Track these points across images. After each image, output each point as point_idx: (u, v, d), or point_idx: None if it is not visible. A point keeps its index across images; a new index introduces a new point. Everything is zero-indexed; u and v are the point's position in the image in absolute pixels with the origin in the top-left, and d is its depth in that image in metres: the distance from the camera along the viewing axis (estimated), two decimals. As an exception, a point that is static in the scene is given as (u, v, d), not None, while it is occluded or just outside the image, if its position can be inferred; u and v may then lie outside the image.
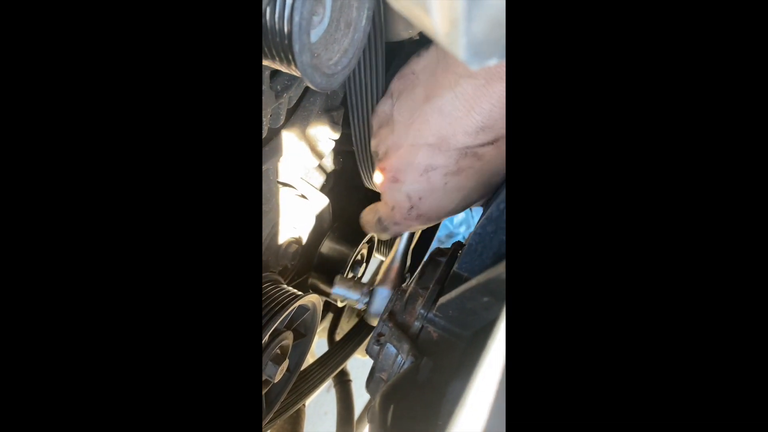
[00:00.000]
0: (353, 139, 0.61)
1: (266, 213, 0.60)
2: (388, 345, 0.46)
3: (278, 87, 0.51)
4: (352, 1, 0.38)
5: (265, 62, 0.39)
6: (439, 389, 0.39)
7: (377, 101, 0.53)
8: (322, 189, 0.76)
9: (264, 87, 0.47)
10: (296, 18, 0.32)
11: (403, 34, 0.54)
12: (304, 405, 0.81)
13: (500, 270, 0.28)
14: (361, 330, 0.96)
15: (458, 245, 0.54)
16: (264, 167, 0.56)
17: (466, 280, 0.45)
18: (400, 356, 0.44)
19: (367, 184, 0.72)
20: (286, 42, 0.34)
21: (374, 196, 0.79)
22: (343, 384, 0.91)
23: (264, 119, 0.50)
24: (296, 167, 0.64)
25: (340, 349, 0.90)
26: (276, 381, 0.59)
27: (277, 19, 0.34)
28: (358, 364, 1.03)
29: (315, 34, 0.37)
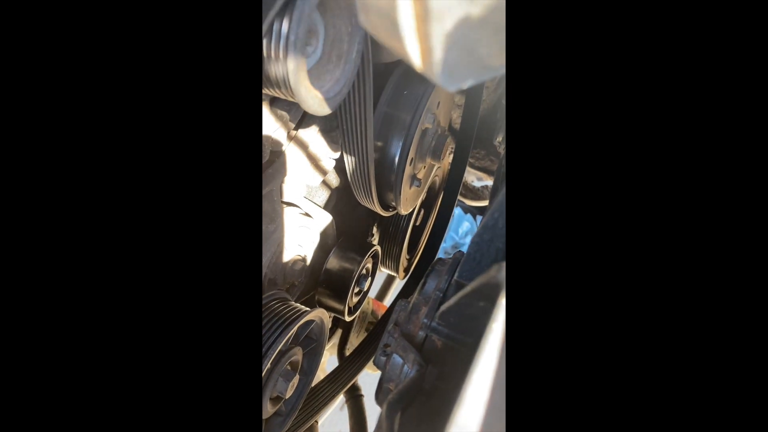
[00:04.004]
0: (345, 161, 0.63)
1: (272, 233, 0.62)
2: (395, 355, 0.48)
3: (278, 111, 0.53)
4: (343, 36, 0.40)
5: (264, 91, 0.42)
6: (445, 396, 0.40)
7: (366, 126, 0.56)
8: (326, 206, 0.78)
9: (266, 110, 0.49)
10: (291, 38, 0.34)
11: (396, 55, 0.56)
12: (316, 422, 0.81)
13: (492, 274, 0.30)
14: (370, 344, 0.96)
15: (459, 255, 0.56)
16: (268, 189, 0.58)
17: (467, 288, 0.46)
18: (406, 366, 0.45)
19: (362, 202, 0.74)
20: (282, 65, 0.36)
21: (375, 214, 0.81)
22: (355, 399, 0.92)
23: (266, 143, 0.52)
24: (299, 187, 0.66)
25: (350, 364, 0.90)
26: (287, 397, 0.60)
27: (273, 47, 0.36)
28: (371, 380, 1.03)
29: (308, 63, 0.40)
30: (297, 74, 0.37)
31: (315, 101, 0.40)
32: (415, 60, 0.20)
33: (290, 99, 0.41)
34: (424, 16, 0.17)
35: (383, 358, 0.50)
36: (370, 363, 0.93)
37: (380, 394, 0.50)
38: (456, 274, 0.48)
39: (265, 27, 0.34)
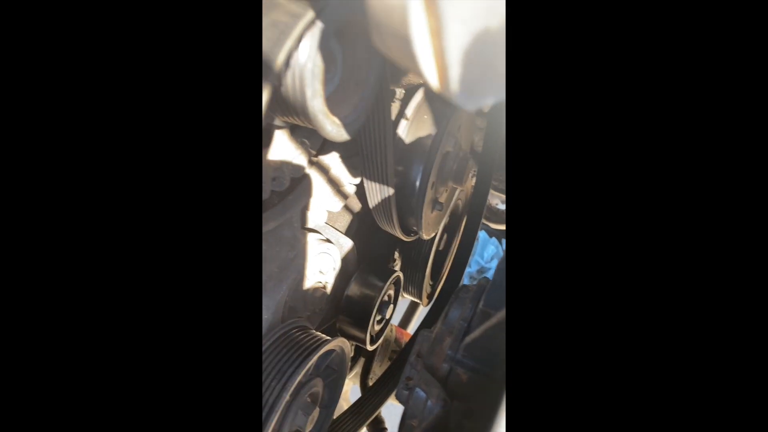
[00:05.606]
0: (365, 186, 0.63)
1: (292, 260, 0.61)
2: (417, 389, 0.45)
3: (298, 139, 0.53)
4: (361, 63, 0.40)
5: (283, 119, 0.42)
6: (472, 436, 0.37)
7: (386, 151, 0.55)
8: (347, 231, 0.78)
9: (286, 138, 0.49)
10: (309, 65, 0.34)
11: (416, 80, 0.56)
12: (338, 457, 0.78)
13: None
14: (394, 374, 0.93)
15: (484, 281, 0.53)
16: (288, 215, 0.58)
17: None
18: (429, 401, 0.43)
19: (383, 227, 0.73)
20: (299, 92, 0.36)
21: (397, 239, 0.80)
22: (378, 433, 0.88)
23: (286, 170, 0.52)
24: (320, 213, 0.65)
25: (373, 395, 0.87)
26: (307, 431, 0.58)
27: (291, 75, 0.36)
28: (397, 410, 0.99)
29: (327, 90, 0.40)
30: (315, 101, 0.37)
31: (333, 128, 0.40)
32: (431, 79, 0.19)
33: (309, 126, 0.41)
34: (438, 31, 0.16)
35: (405, 392, 0.47)
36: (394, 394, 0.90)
37: (403, 431, 0.47)
38: (481, 303, 0.46)
39: (283, 56, 0.34)
